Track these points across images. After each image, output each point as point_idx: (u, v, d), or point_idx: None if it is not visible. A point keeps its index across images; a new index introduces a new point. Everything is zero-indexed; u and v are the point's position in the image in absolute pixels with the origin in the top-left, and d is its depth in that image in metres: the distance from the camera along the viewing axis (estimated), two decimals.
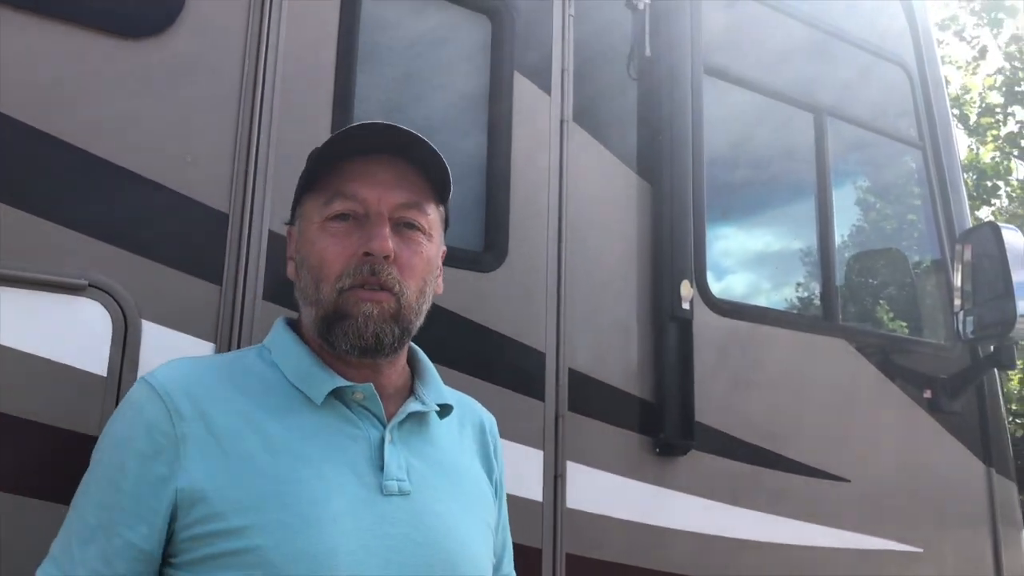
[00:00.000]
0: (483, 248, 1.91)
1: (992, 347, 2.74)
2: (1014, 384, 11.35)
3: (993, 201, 13.00)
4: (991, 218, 12.02)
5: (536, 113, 2.03)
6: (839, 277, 2.71)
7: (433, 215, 1.26)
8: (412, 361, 1.32)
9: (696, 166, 2.25)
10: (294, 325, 1.27)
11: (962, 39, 13.49)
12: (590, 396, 1.98)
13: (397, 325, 1.18)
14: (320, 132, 1.63)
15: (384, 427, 1.18)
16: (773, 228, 2.90)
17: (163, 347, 1.43)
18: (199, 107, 1.56)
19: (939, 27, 13.10)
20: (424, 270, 1.22)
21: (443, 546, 1.14)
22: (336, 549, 1.05)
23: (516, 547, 1.45)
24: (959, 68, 13.61)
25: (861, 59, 2.84)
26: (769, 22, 2.60)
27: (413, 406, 1.22)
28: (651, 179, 2.20)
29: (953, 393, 2.70)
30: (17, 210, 1.35)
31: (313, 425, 1.15)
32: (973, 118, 13.14)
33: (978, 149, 13.16)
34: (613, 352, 2.07)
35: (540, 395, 1.91)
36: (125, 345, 1.40)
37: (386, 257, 1.16)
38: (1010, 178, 12.98)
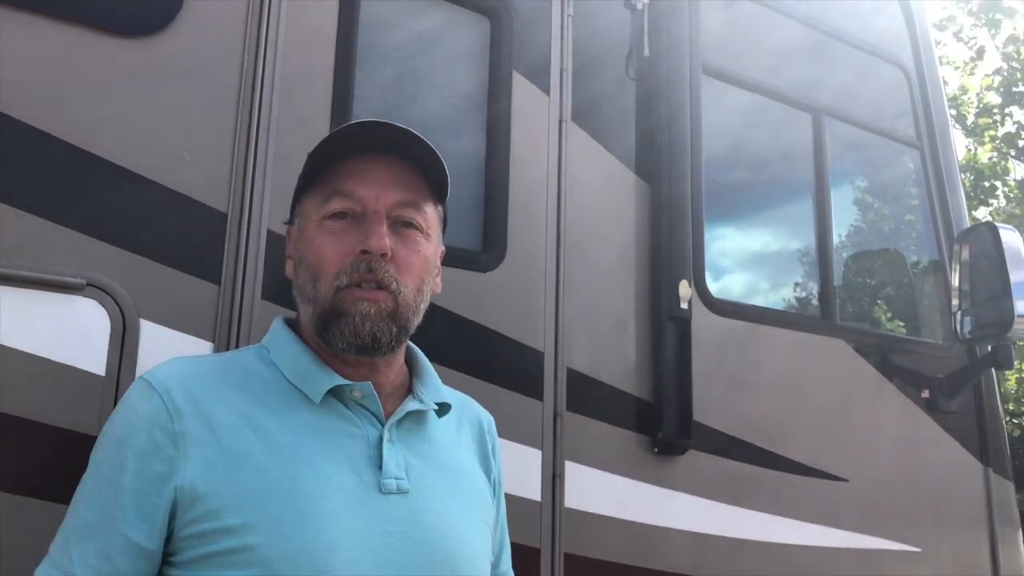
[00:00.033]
0: (482, 248, 1.91)
1: (990, 347, 2.74)
2: (1011, 384, 11.37)
3: (991, 201, 13.03)
4: (989, 218, 12.02)
5: (535, 113, 2.03)
6: (837, 277, 2.71)
7: (431, 214, 1.26)
8: (410, 360, 1.32)
9: (695, 166, 2.25)
10: (292, 324, 1.27)
11: (960, 40, 13.52)
12: (588, 396, 1.98)
13: (394, 324, 1.18)
14: (318, 132, 1.62)
15: (382, 426, 1.18)
16: (771, 228, 2.90)
17: (162, 346, 1.43)
18: (198, 106, 1.55)
19: (937, 28, 13.11)
20: (422, 269, 1.22)
21: (441, 544, 1.14)
22: (334, 547, 1.05)
23: (514, 546, 1.45)
24: (957, 69, 13.64)
25: (859, 60, 2.84)
26: (768, 23, 2.60)
27: (411, 405, 1.23)
28: (649, 179, 2.20)
29: (951, 393, 2.70)
30: (15, 209, 1.35)
31: (312, 424, 1.15)
32: (971, 118, 13.17)
33: (976, 149, 13.19)
34: (611, 352, 2.07)
35: (539, 395, 1.91)
36: (123, 344, 1.40)
37: (383, 255, 1.16)
38: (1007, 178, 13.02)
